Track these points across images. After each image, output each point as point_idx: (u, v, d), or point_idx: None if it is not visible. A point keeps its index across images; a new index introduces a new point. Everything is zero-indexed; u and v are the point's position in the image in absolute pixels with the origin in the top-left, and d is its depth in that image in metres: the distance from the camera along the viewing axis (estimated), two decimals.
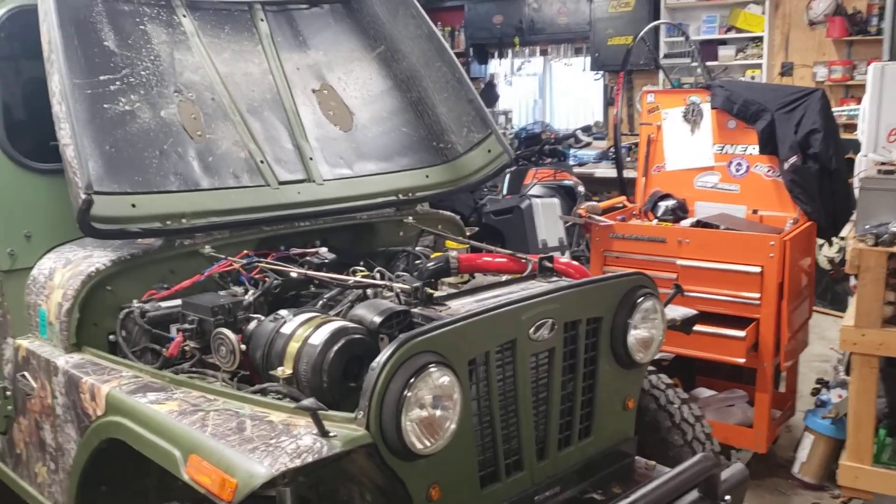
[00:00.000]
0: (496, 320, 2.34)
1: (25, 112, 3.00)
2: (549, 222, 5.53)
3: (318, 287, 2.91)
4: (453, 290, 2.75)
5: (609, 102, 9.36)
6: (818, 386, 4.75)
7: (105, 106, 2.82)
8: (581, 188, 6.62)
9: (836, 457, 4.32)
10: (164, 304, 2.69)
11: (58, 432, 2.66)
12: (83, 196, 2.48)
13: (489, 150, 3.63)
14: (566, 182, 6.54)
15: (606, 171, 8.32)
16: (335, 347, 2.24)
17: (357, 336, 2.30)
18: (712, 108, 4.86)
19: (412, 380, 2.07)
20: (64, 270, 2.75)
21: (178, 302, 2.71)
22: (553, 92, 10.28)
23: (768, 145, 4.67)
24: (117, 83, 2.90)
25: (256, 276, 2.83)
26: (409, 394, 2.06)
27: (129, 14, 3.07)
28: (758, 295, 4.23)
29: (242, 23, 3.41)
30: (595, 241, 4.64)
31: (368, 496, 2.29)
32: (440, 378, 2.12)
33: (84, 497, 2.58)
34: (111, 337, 2.73)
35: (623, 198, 5.19)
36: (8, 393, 2.95)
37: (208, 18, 3.31)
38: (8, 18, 2.93)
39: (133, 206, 2.73)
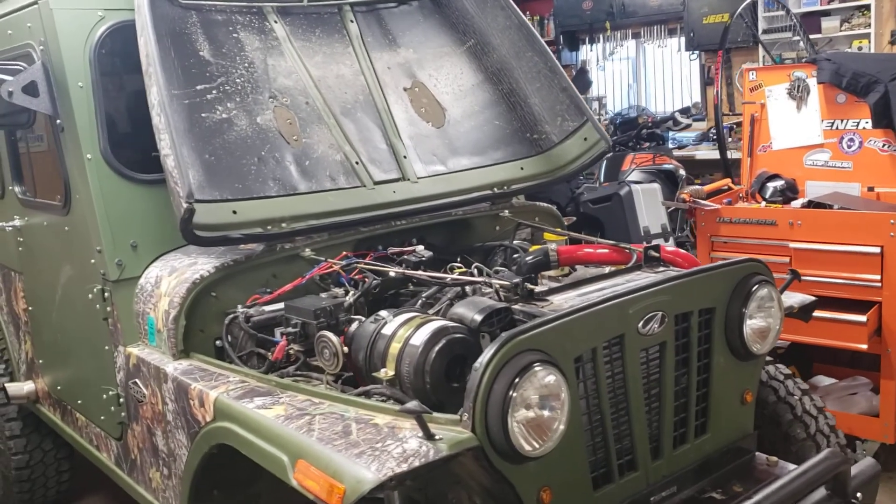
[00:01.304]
0: (602, 315, 2.26)
1: (127, 125, 3.08)
2: (650, 208, 5.36)
3: (417, 285, 2.88)
4: (555, 285, 2.66)
5: (707, 82, 9.03)
6: None
7: (203, 115, 2.86)
8: (682, 171, 6.39)
9: None
10: (267, 308, 2.70)
11: (169, 438, 2.72)
12: (185, 205, 2.52)
13: (585, 139, 3.53)
14: (666, 166, 6.32)
15: (707, 152, 8.03)
16: (436, 348, 2.20)
17: (458, 335, 2.25)
18: (819, 82, 4.60)
19: (517, 379, 2.00)
20: (170, 278, 2.81)
21: (282, 305, 2.73)
22: (647, 75, 10.00)
23: (883, 118, 4.39)
24: (214, 92, 2.93)
25: (356, 277, 2.83)
26: (514, 394, 1.99)
27: (222, 23, 3.11)
28: (878, 276, 3.98)
29: (332, 25, 3.41)
30: (701, 226, 4.47)
31: (477, 499, 2.24)
32: (546, 377, 2.05)
33: (197, 501, 2.62)
34: (217, 342, 2.77)
35: (728, 180, 4.97)
36: (121, 400, 3.03)
37: (299, 23, 3.32)
38: (109, 35, 3.00)
39: (234, 212, 2.75)
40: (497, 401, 1.99)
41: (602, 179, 6.26)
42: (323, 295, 2.75)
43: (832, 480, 2.38)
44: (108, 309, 3.00)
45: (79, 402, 3.44)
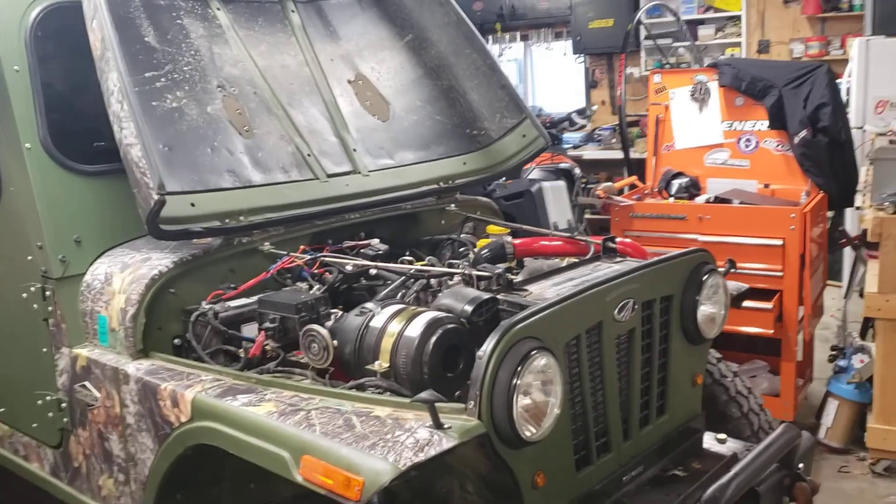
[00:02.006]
0: (586, 303, 2.34)
1: (67, 114, 2.89)
2: (558, 204, 5.51)
3: (370, 279, 2.86)
4: (525, 277, 2.72)
5: (591, 85, 9.39)
6: (834, 353, 4.85)
7: (153, 104, 2.74)
8: (577, 170, 6.61)
9: (860, 421, 4.43)
10: (232, 304, 2.62)
11: (128, 442, 2.58)
12: (155, 197, 2.40)
13: (524, 135, 3.62)
14: (563, 165, 6.52)
15: (594, 153, 8.37)
16: (433, 339, 2.21)
17: (452, 326, 2.27)
18: (720, 86, 4.92)
19: (519, 367, 2.05)
20: (123, 275, 2.67)
21: (244, 301, 2.66)
22: (534, 77, 10.28)
23: (777, 120, 4.75)
24: (162, 80, 2.81)
25: (316, 272, 2.78)
26: (517, 381, 2.04)
27: (165, 8, 2.98)
28: (780, 267, 4.29)
29: (274, 14, 3.34)
30: (615, 221, 4.67)
31: (470, 487, 2.27)
32: (544, 364, 2.11)
33: None
34: (176, 341, 2.66)
35: (634, 178, 5.22)
36: (63, 405, 2.85)
37: (241, 11, 3.23)
38: (45, 16, 2.81)
39: (192, 205, 2.65)
40: (502, 388, 2.03)
41: (505, 178, 6.38)
42: (286, 290, 2.70)
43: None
44: (50, 308, 2.81)
45: (0, 410, 3.20)
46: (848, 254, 6.11)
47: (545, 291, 2.50)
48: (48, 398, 2.89)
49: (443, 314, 2.30)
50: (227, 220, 2.73)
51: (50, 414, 2.90)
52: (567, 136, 8.30)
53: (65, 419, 2.86)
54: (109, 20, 2.54)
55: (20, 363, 3.03)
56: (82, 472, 2.86)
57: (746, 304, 4.23)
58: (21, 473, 3.18)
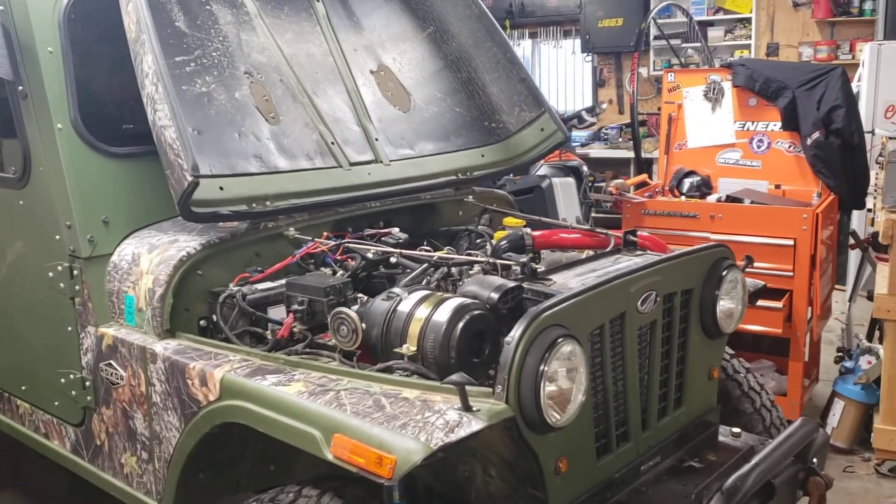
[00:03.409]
0: (611, 293, 2.37)
1: (98, 96, 2.92)
2: (567, 200, 5.56)
3: (389, 268, 2.89)
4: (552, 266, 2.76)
5: (598, 84, 9.44)
6: (840, 354, 4.89)
7: (183, 88, 2.77)
8: (585, 168, 6.66)
9: (865, 422, 4.47)
10: (259, 286, 2.66)
11: (153, 420, 2.62)
12: (189, 178, 2.44)
13: (542, 129, 3.65)
14: (571, 162, 6.56)
15: (600, 151, 8.42)
16: (461, 324, 2.24)
17: (478, 311, 2.30)
18: (734, 86, 4.95)
19: (546, 354, 2.08)
20: (150, 256, 2.70)
21: (271, 284, 2.69)
22: (542, 75, 10.32)
23: (790, 122, 4.78)
24: (192, 64, 2.84)
25: (339, 258, 2.82)
26: (544, 367, 2.07)
27: None
28: (791, 267, 4.33)
29: (299, 4, 3.37)
30: (626, 218, 4.70)
31: (493, 471, 2.31)
32: (569, 351, 2.15)
33: (184, 484, 2.55)
34: (202, 322, 2.69)
35: (645, 175, 5.26)
36: (87, 384, 2.88)
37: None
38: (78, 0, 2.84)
39: (221, 188, 2.68)
40: (530, 374, 2.06)
41: (513, 174, 6.43)
42: (312, 274, 2.73)
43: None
44: (77, 287, 2.84)
45: (22, 388, 3.23)
46: (853, 257, 6.15)
47: (569, 281, 2.54)
48: (72, 376, 2.92)
49: (469, 300, 2.33)
50: (253, 205, 2.76)
51: (73, 392, 2.93)
52: (574, 134, 8.34)
53: (88, 397, 2.90)
54: (145, 3, 2.57)
55: (44, 342, 3.06)
56: (104, 450, 2.89)
57: (761, 303, 4.29)
58: (41, 451, 3.22)
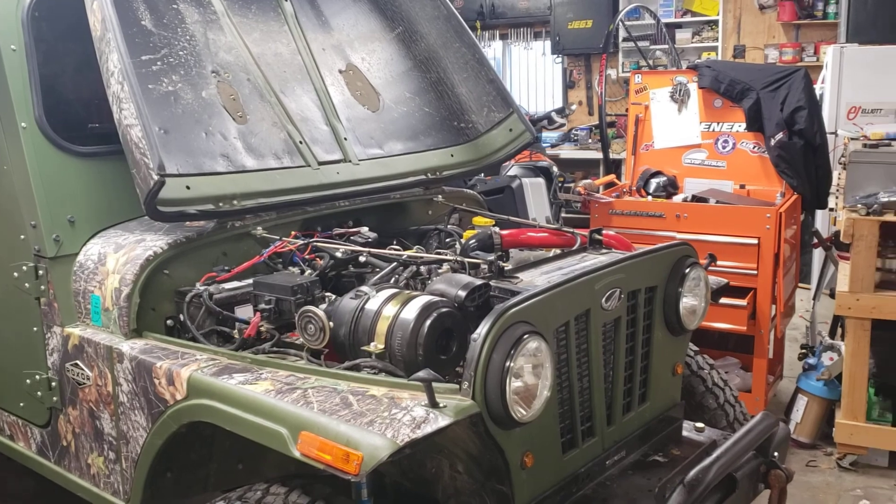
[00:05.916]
0: (576, 290, 2.41)
1: (63, 95, 2.90)
2: (537, 201, 5.61)
3: (358, 267, 2.90)
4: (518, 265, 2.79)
5: (568, 85, 9.51)
6: (803, 351, 4.98)
7: (150, 86, 2.76)
8: (555, 169, 6.71)
9: (827, 417, 4.55)
10: (226, 286, 2.66)
11: (120, 420, 2.61)
12: (155, 177, 2.43)
13: (510, 129, 3.68)
14: (541, 163, 6.61)
15: (570, 152, 8.48)
16: (428, 321, 2.26)
17: (446, 309, 2.32)
18: (699, 87, 5.02)
19: (512, 350, 2.11)
20: (117, 255, 2.69)
21: (238, 284, 2.69)
22: (513, 76, 10.37)
23: (755, 123, 4.86)
24: (158, 63, 2.83)
25: (307, 257, 2.83)
26: (510, 364, 2.10)
27: None
28: (755, 265, 4.41)
29: (267, 3, 3.36)
30: (594, 217, 4.75)
31: (460, 467, 2.33)
32: (535, 347, 2.18)
33: (151, 483, 2.54)
34: (168, 321, 2.68)
35: (612, 176, 5.31)
36: (53, 384, 2.86)
37: None
38: None
39: (187, 188, 2.68)
40: (496, 370, 2.09)
41: (484, 174, 6.46)
42: (280, 273, 2.74)
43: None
44: (42, 287, 2.82)
45: None
46: (817, 257, 6.26)
47: (535, 279, 2.57)
48: (37, 377, 2.90)
49: (437, 298, 2.35)
50: (221, 204, 2.75)
51: (39, 393, 2.91)
52: (544, 135, 8.40)
53: (54, 398, 2.88)
54: (110, 1, 2.56)
55: (8, 342, 3.03)
56: (71, 450, 2.87)
57: (721, 300, 4.37)
58: (6, 452, 3.19)
